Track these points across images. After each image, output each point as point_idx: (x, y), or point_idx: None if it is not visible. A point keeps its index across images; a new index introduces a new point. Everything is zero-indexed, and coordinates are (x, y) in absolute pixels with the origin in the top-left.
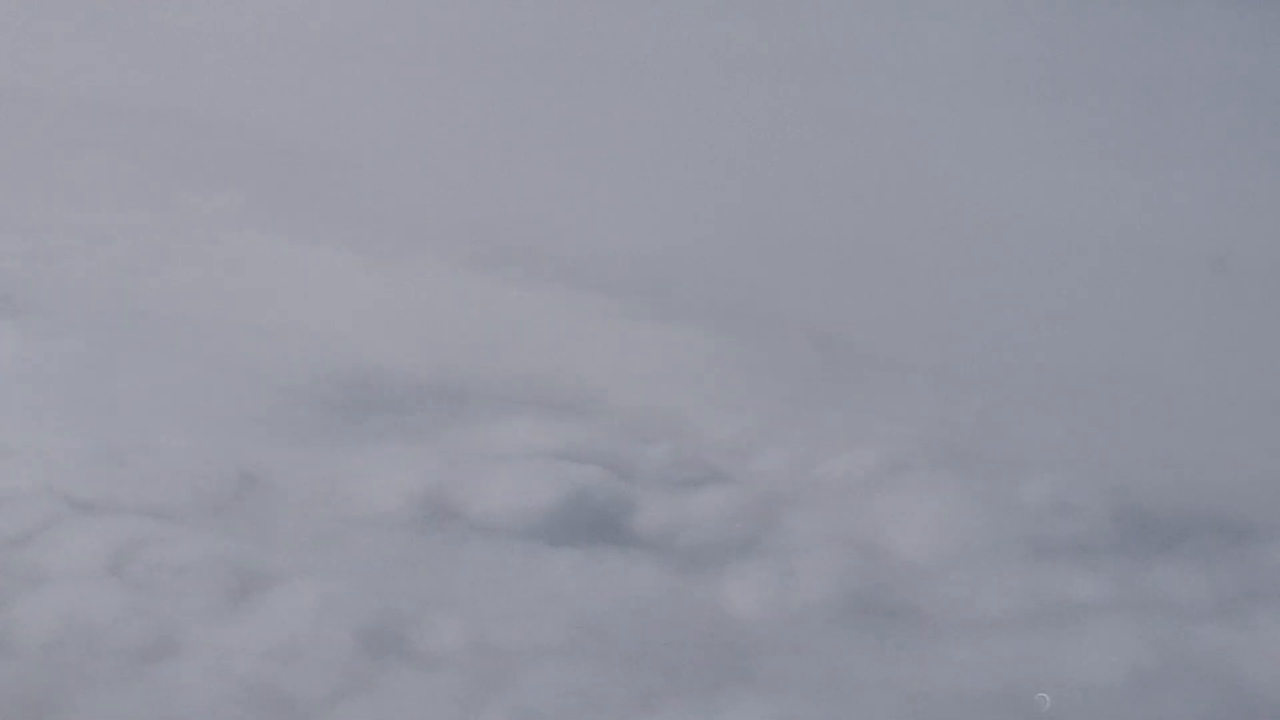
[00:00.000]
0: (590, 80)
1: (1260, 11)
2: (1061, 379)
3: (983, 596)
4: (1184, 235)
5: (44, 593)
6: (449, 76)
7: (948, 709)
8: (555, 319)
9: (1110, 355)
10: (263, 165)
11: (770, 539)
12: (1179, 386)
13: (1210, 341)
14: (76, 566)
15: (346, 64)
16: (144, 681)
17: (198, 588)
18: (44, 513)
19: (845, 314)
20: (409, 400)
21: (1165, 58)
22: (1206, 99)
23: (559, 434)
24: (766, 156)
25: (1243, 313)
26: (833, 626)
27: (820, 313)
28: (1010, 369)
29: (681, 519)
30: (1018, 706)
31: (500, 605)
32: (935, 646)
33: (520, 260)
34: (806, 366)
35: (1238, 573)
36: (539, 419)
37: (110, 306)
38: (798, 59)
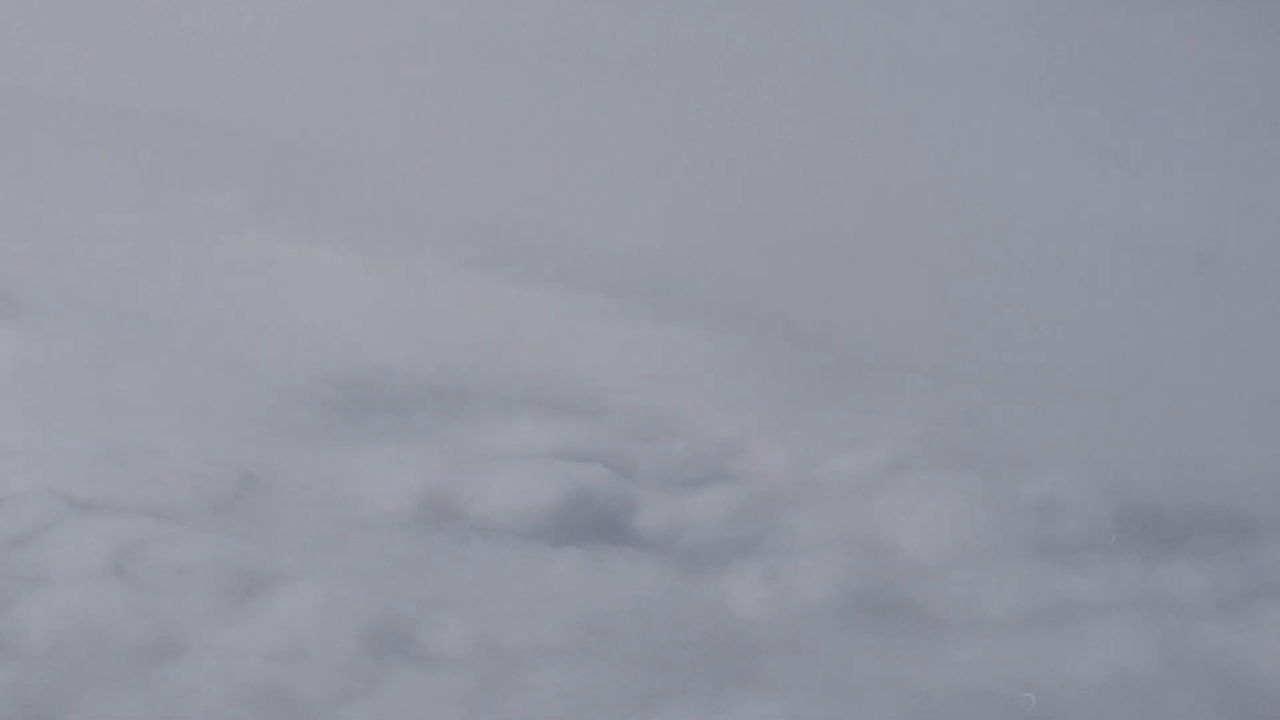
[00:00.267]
0: (590, 80)
1: (1260, 12)
2: (1063, 378)
3: (985, 595)
4: (1185, 234)
5: (46, 594)
6: (449, 77)
7: (950, 708)
8: (555, 319)
9: (1111, 354)
10: (263, 165)
11: (772, 538)
12: (1180, 384)
13: (1211, 339)
14: (78, 567)
15: (346, 64)
16: (147, 682)
17: (200, 588)
18: (45, 513)
19: (846, 314)
20: (410, 400)
21: (1165, 57)
22: (1206, 98)
23: (560, 434)
24: (766, 156)
25: (1244, 311)
26: (834, 626)
27: (820, 312)
28: (1011, 368)
29: (683, 519)
30: (1019, 705)
31: (502, 605)
32: (937, 646)
33: (520, 260)
34: (807, 366)
35: (1239, 571)
36: (540, 419)
37: (110, 306)
38: (798, 59)
